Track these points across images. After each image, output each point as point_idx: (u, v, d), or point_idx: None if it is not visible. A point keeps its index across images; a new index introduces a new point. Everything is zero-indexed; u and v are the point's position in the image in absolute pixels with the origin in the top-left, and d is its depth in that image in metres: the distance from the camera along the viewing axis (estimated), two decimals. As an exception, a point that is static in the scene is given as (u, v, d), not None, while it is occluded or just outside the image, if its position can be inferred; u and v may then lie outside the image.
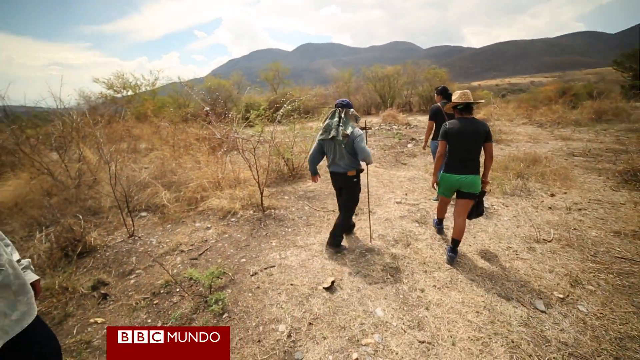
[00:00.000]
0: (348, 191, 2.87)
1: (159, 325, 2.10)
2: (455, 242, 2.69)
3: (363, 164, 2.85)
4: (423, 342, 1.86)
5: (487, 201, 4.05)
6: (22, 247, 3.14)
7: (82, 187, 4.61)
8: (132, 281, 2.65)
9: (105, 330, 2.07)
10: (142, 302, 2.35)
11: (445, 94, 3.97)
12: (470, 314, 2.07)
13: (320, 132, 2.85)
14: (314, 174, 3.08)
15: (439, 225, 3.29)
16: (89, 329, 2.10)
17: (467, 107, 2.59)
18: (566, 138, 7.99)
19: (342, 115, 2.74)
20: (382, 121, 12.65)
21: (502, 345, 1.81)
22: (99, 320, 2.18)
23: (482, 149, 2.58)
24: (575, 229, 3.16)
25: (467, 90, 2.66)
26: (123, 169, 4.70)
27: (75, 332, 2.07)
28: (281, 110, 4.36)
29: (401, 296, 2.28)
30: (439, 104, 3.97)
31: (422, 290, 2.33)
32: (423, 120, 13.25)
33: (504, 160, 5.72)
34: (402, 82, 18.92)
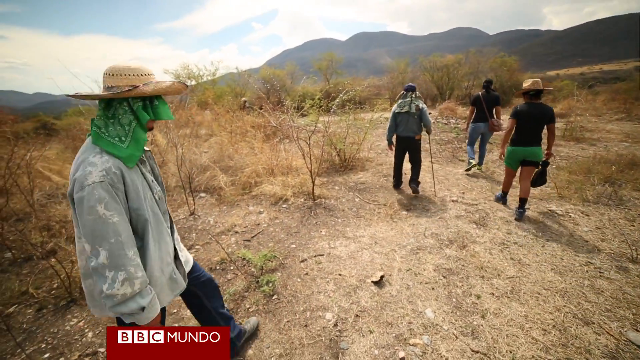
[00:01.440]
0: (415, 150, 3.99)
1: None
2: (523, 201, 3.29)
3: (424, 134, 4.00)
4: (477, 352, 1.72)
5: (561, 207, 3.55)
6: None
7: (154, 167, 5.20)
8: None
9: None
10: (202, 274, 2.58)
11: (487, 84, 4.98)
12: (535, 331, 1.85)
13: (395, 107, 3.94)
14: (390, 143, 4.16)
15: (503, 198, 3.74)
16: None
17: (537, 94, 3.15)
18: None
19: (413, 96, 3.86)
20: (439, 114, 11.81)
21: (576, 373, 1.58)
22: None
23: (546, 127, 3.18)
24: (686, 250, 2.59)
25: (538, 79, 3.18)
26: (186, 152, 5.18)
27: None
28: (337, 100, 4.33)
29: (454, 300, 2.13)
30: (480, 93, 4.90)
31: (478, 297, 2.15)
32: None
33: (586, 162, 4.93)
34: (463, 73, 17.29)
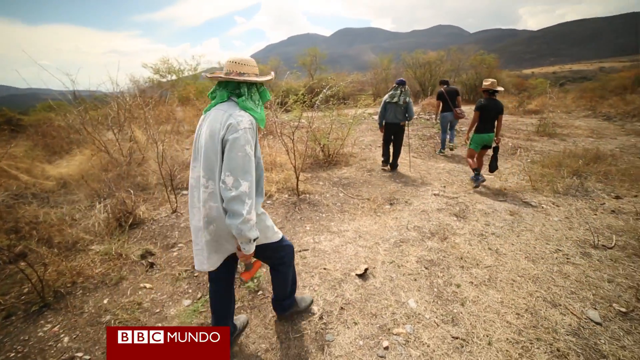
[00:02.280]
0: (399, 135, 4.79)
1: (198, 296, 2.26)
2: (477, 170, 4.19)
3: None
4: (457, 338, 1.80)
5: (535, 199, 3.74)
6: (86, 215, 3.53)
7: (132, 164, 5.02)
8: (175, 253, 2.86)
9: (153, 295, 2.28)
10: (184, 273, 2.53)
11: (445, 82, 6.36)
12: (509, 315, 1.96)
13: (386, 97, 4.66)
14: (381, 126, 4.87)
15: (478, 175, 4.22)
16: (140, 293, 2.32)
17: (494, 92, 4.04)
18: (640, 134, 7.02)
19: (403, 90, 4.60)
20: (422, 110, 12.06)
21: (545, 352, 1.69)
22: (148, 285, 2.40)
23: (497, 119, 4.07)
24: (645, 236, 2.80)
25: (495, 80, 4.09)
26: (168, 149, 5.03)
27: (129, 293, 2.30)
28: (320, 95, 4.33)
29: (435, 290, 2.21)
30: (443, 88, 6.13)
31: (458, 286, 2.24)
32: (465, 110, 12.37)
33: (557, 156, 5.20)
34: (444, 69, 17.71)
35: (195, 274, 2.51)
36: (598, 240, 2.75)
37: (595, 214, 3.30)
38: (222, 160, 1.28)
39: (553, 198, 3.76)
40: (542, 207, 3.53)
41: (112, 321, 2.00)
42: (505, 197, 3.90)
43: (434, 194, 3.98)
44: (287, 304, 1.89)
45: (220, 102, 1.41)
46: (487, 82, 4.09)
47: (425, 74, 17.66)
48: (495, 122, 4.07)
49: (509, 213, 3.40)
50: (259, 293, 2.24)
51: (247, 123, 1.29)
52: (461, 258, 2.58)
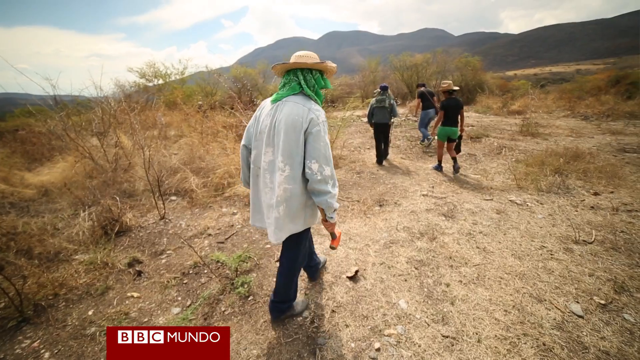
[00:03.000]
0: (386, 133, 5.51)
1: (188, 303, 2.22)
2: (455, 159, 4.90)
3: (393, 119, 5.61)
4: (447, 336, 1.82)
5: (520, 197, 3.84)
6: (69, 223, 3.42)
7: (118, 170, 4.91)
8: (163, 261, 2.81)
9: (141, 304, 2.22)
10: (173, 280, 2.48)
11: (423, 85, 7.60)
12: (497, 312, 2.00)
13: (373, 101, 5.41)
14: (370, 122, 5.58)
15: (439, 166, 5.18)
16: (127, 302, 2.26)
17: (452, 91, 4.86)
18: (617, 132, 7.32)
19: (387, 94, 5.37)
20: (409, 112, 12.25)
21: (532, 347, 1.73)
22: (135, 294, 2.34)
23: (460, 113, 4.84)
24: (622, 231, 2.91)
25: (451, 82, 4.94)
26: (155, 154, 4.94)
27: (115, 303, 2.24)
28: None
29: (425, 289, 2.24)
30: (422, 89, 7.15)
31: (448, 285, 2.27)
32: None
33: (540, 155, 5.36)
34: (431, 72, 18.06)
35: (185, 281, 2.47)
36: (579, 236, 2.84)
37: (576, 211, 3.41)
38: (304, 149, 1.49)
39: (537, 196, 3.87)
40: (527, 205, 3.63)
41: (98, 333, 1.94)
42: (491, 196, 3.99)
43: (423, 195, 4.03)
44: (285, 307, 1.93)
45: (292, 94, 1.54)
46: (445, 84, 4.90)
47: (412, 76, 17.96)
48: (458, 117, 4.83)
49: (495, 212, 3.48)
50: (249, 299, 2.22)
51: (323, 116, 1.52)
52: (450, 257, 2.63)
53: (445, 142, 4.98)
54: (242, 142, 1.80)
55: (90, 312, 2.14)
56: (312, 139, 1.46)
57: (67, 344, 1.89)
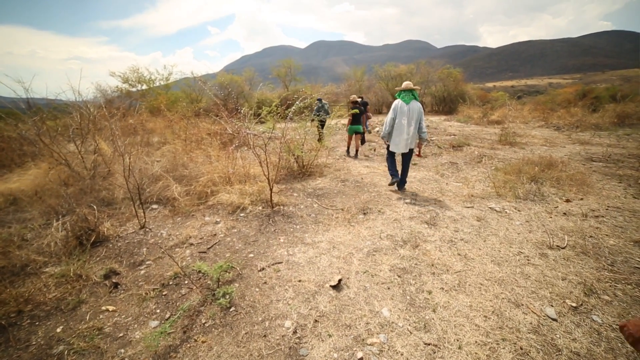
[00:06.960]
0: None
1: (167, 316, 2.14)
2: (357, 150, 7.28)
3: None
4: (429, 344, 1.84)
5: (499, 205, 3.97)
6: (40, 234, 3.25)
7: (96, 178, 4.73)
8: (142, 272, 2.71)
9: (116, 318, 2.13)
10: (152, 292, 2.39)
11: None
12: (478, 318, 2.04)
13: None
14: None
15: (349, 153, 7.40)
16: (101, 316, 2.16)
17: (355, 102, 7.06)
18: (585, 142, 7.75)
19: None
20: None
21: (510, 352, 1.77)
22: (111, 308, 2.24)
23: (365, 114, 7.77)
24: (591, 236, 3.06)
25: (355, 95, 7.26)
26: (136, 161, 4.80)
27: (88, 318, 2.13)
28: (293, 107, 4.36)
29: (408, 297, 2.26)
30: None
31: (430, 292, 2.31)
32: (435, 120, 13.06)
33: (518, 163, 5.59)
34: (414, 82, 18.61)
35: (164, 293, 2.39)
36: (553, 241, 2.97)
37: (551, 217, 3.57)
38: (419, 119, 4.22)
39: (515, 203, 4.02)
40: (506, 212, 3.76)
41: (66, 352, 1.84)
42: (472, 203, 4.11)
43: (406, 203, 4.10)
44: (406, 181, 4.64)
45: (412, 99, 4.24)
46: (352, 97, 7.16)
47: (397, 85, 18.42)
48: (360, 118, 6.98)
49: (476, 219, 3.58)
50: (231, 310, 2.16)
51: (422, 107, 4.27)
52: (432, 265, 2.67)
53: (354, 136, 7.04)
54: (391, 116, 4.30)
55: (58, 329, 2.03)
56: (422, 117, 4.24)
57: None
